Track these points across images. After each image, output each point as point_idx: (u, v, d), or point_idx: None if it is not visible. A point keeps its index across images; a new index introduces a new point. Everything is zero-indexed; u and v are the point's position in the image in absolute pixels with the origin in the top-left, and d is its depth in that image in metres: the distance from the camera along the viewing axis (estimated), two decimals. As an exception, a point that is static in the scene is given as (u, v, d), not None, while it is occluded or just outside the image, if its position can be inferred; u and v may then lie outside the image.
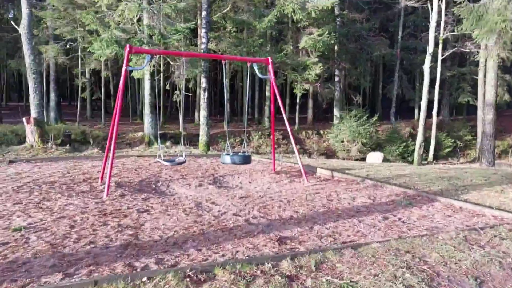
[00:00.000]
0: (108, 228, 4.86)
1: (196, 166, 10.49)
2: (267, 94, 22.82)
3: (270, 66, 8.74)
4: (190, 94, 19.42)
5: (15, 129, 14.70)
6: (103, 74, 17.95)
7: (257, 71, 8.82)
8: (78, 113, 17.16)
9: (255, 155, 16.34)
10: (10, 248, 4.09)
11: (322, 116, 31.46)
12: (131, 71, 16.48)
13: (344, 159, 18.60)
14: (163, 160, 7.97)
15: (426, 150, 19.28)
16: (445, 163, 19.39)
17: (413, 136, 22.50)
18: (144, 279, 3.24)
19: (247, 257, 3.89)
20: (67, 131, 14.35)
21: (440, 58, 19.07)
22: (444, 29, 18.75)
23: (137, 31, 13.06)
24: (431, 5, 17.96)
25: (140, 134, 16.33)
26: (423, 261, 3.74)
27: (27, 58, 13.77)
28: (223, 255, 3.99)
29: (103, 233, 4.63)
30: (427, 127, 19.08)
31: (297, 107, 24.20)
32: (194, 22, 13.25)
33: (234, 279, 3.26)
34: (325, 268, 3.54)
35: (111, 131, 7.68)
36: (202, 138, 14.98)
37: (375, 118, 19.86)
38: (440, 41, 18.95)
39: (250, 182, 8.83)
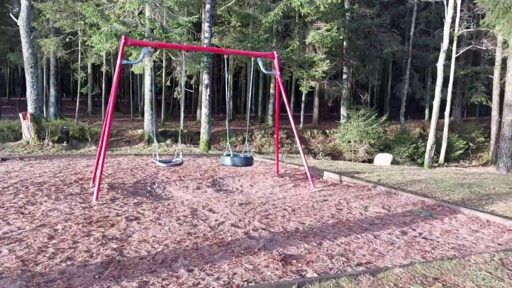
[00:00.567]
0: (90, 240, 4.29)
1: (195, 166, 9.92)
2: (271, 91, 22.20)
3: (275, 61, 8.13)
4: (192, 91, 18.85)
5: (12, 125, 14.23)
6: (104, 68, 17.42)
7: (261, 67, 8.21)
8: (77, 108, 16.67)
9: (258, 154, 15.75)
10: (-29, 266, 3.54)
11: (327, 115, 30.76)
12: (128, 65, 15.90)
13: (350, 160, 17.94)
14: (159, 161, 7.39)
15: (437, 152, 18.56)
16: (456, 166, 18.68)
17: (423, 137, 21.76)
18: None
19: (245, 282, 3.30)
20: (65, 127, 13.85)
21: (454, 55, 18.31)
22: (459, 25, 17.97)
23: (138, 25, 12.49)
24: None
25: (140, 131, 15.80)
26: (455, 292, 3.13)
27: (25, 52, 13.28)
28: (217, 278, 3.41)
29: (84, 247, 4.07)
30: (438, 128, 18.35)
31: (303, 105, 23.55)
32: (197, 16, 12.66)
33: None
34: (339, 301, 2.94)
35: (104, 129, 7.11)
36: (203, 136, 14.41)
37: (384, 117, 19.15)
38: (455, 38, 18.19)
39: (251, 186, 8.25)
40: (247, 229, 4.84)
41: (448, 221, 5.48)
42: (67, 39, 15.04)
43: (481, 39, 18.55)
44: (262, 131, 19.26)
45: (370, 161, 17.98)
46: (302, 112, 22.84)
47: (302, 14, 16.01)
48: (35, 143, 12.93)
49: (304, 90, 19.17)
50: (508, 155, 13.44)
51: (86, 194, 6.70)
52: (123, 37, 6.87)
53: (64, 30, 14.60)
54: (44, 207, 5.58)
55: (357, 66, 22.16)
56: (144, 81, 14.96)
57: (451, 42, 17.89)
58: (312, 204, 6.21)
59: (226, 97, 7.96)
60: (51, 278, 3.39)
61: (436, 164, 18.52)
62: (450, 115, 19.10)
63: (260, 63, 8.20)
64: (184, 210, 5.69)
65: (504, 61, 19.71)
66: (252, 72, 8.16)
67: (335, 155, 19.14)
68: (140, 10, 13.38)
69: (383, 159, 16.09)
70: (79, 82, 16.86)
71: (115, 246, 4.11)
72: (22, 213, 5.28)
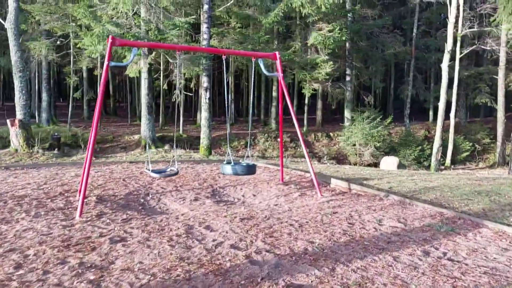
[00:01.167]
0: (65, 269, 3.70)
1: (194, 174, 9.33)
2: (274, 94, 21.62)
3: (278, 62, 7.57)
4: (191, 94, 18.27)
5: (0, 132, 13.66)
6: (97, 72, 16.88)
7: (262, 68, 7.65)
8: (70, 114, 16.11)
9: (261, 159, 15.14)
10: None
11: (331, 117, 30.17)
12: (123, 68, 15.35)
13: (356, 164, 17.33)
14: (152, 171, 6.81)
15: (443, 154, 17.96)
16: (463, 168, 18.07)
17: (428, 139, 21.15)
18: None
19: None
20: (56, 134, 13.28)
21: (458, 56, 17.75)
22: (463, 25, 17.42)
23: (132, 26, 11.95)
24: (450, -1, 16.67)
25: (136, 137, 15.23)
26: None
27: (13, 55, 12.75)
28: (213, 320, 2.81)
29: (56, 279, 3.47)
30: (444, 130, 17.75)
31: (306, 108, 22.95)
32: (194, 17, 12.11)
33: None
34: None
35: (90, 136, 6.53)
36: (203, 141, 13.83)
37: (389, 120, 18.56)
38: (458, 38, 17.63)
39: (254, 195, 7.65)
40: (249, 251, 4.24)
41: (472, 237, 4.87)
42: (58, 42, 14.51)
43: (485, 39, 17.98)
44: (266, 135, 18.65)
45: (376, 164, 17.38)
46: (305, 115, 22.26)
47: (303, 14, 15.46)
48: (24, 151, 12.36)
49: (307, 92, 18.61)
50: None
51: (70, 209, 6.11)
52: (110, 36, 6.33)
53: (55, 33, 14.06)
54: (20, 226, 4.99)
55: (360, 67, 21.60)
56: (140, 85, 14.41)
57: (454, 42, 17.35)
58: (321, 217, 5.61)
59: (226, 100, 7.38)
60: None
61: (443, 167, 17.91)
62: (455, 116, 18.52)
63: (261, 65, 7.63)
64: (178, 228, 5.09)
65: (509, 61, 19.17)
66: (253, 74, 7.59)
67: (340, 158, 18.54)
68: (134, 11, 12.85)
69: (389, 162, 15.49)
70: (71, 86, 16.29)
71: (92, 277, 3.52)
72: (-6, 234, 4.70)
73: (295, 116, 7.68)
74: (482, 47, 18.28)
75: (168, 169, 7.40)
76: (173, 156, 7.75)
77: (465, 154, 19.43)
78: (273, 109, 22.42)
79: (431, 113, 25.88)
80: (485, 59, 23.34)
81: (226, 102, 7.82)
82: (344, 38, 16.47)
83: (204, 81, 13.18)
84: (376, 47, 21.78)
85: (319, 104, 24.46)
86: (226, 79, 7.16)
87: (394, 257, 4.09)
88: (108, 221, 5.48)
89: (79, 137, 14.04)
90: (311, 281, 3.50)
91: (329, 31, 15.88)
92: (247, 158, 7.79)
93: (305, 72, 16.98)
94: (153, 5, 12.51)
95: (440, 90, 17.84)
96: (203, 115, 13.38)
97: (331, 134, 21.01)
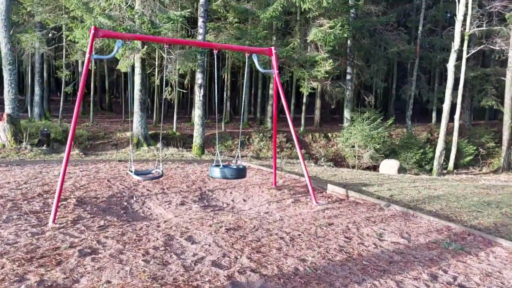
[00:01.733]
0: (18, 290, 3.20)
1: (183, 176, 8.83)
2: (271, 92, 21.12)
3: (273, 58, 7.05)
4: (185, 91, 17.74)
5: (-12, 126, 13.12)
6: (91, 66, 16.33)
7: (257, 64, 7.13)
8: (61, 109, 15.59)
9: (255, 160, 14.64)
10: None
11: (329, 117, 29.65)
12: (116, 63, 14.80)
13: (354, 166, 16.83)
14: (135, 173, 6.31)
15: (446, 158, 17.46)
16: (466, 173, 17.57)
17: (430, 142, 20.65)
18: None
19: None
20: (45, 129, 12.77)
21: (465, 56, 17.21)
22: (471, 24, 16.87)
23: (125, 19, 11.42)
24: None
25: (128, 134, 14.72)
26: None
27: (3, 48, 12.24)
28: None
29: (3, 303, 2.98)
30: (447, 133, 17.24)
31: (304, 107, 22.43)
32: (189, 10, 11.59)
33: None
34: None
35: (70, 133, 6.03)
36: (196, 140, 13.34)
37: (390, 121, 18.04)
38: (466, 37, 17.09)
39: (244, 201, 7.17)
40: (232, 270, 3.75)
41: (485, 257, 4.38)
42: (50, 34, 13.96)
43: (494, 39, 17.43)
44: (261, 134, 18.13)
45: (375, 167, 16.88)
46: (303, 115, 21.73)
47: (303, 9, 14.93)
48: (11, 146, 11.87)
49: (305, 91, 18.08)
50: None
51: (46, 213, 5.63)
52: (93, 27, 5.80)
53: (48, 25, 13.51)
54: (-18, 233, 4.50)
55: (361, 66, 21.04)
56: (134, 80, 13.90)
57: (461, 41, 16.82)
58: (315, 229, 5.12)
59: (216, 97, 6.87)
60: None
61: (445, 171, 17.42)
62: (459, 119, 18.00)
63: (255, 60, 7.12)
64: (157, 239, 4.60)
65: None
66: (246, 70, 7.07)
67: (337, 160, 18.03)
68: (128, 3, 12.31)
69: (389, 166, 15.00)
70: (63, 80, 15.77)
71: (46, 303, 3.02)
72: (-48, 243, 4.22)
73: (289, 115, 7.19)
74: (491, 46, 17.71)
75: (153, 171, 6.91)
76: (159, 156, 7.24)
77: (468, 158, 18.92)
78: (269, 108, 21.90)
79: (434, 114, 25.34)
80: (492, 60, 22.79)
81: (216, 99, 7.32)
82: (345, 35, 15.91)
83: (199, 77, 12.67)
84: (379, 45, 21.20)
85: (318, 103, 23.94)
86: (217, 74, 6.70)
87: (397, 282, 3.60)
88: (83, 228, 5.00)
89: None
90: (300, 312, 3.01)
91: (330, 27, 15.34)
92: (237, 160, 7.30)
93: (303, 70, 16.44)
94: (148, -3, 11.99)
95: (445, 91, 17.32)
96: (196, 113, 12.88)
97: (329, 134, 20.50)
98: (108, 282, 3.43)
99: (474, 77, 21.77)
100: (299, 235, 4.87)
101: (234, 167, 6.91)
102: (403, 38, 20.55)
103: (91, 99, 18.21)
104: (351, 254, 4.28)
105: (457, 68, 17.10)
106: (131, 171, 6.30)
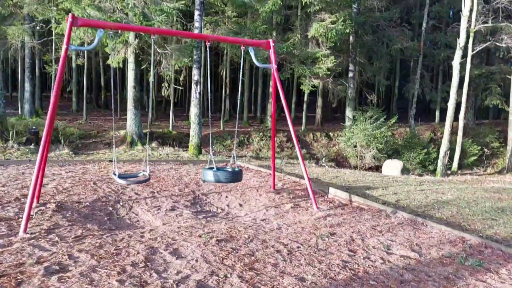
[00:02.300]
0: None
1: (176, 178, 8.32)
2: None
3: (271, 51, 6.54)
4: (181, 88, 17.20)
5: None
6: (80, 61, 15.82)
7: (253, 58, 6.62)
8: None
9: (254, 160, 14.13)
10: None
11: (331, 116, 29.10)
12: (107, 58, 14.24)
13: (356, 167, 16.32)
14: (118, 176, 5.80)
15: (450, 158, 16.94)
16: (471, 174, 17.06)
17: (433, 142, 20.12)
18: None
19: None
20: (33, 128, 12.26)
21: (470, 53, 16.67)
22: (476, 20, 16.32)
23: (116, 10, 10.88)
24: (465, -10, 15.57)
25: (122, 132, 14.21)
26: None
27: (-11, 41, 11.74)
28: None
29: None
30: (452, 132, 16.71)
31: (305, 105, 21.88)
32: (183, 2, 11.05)
33: None
34: None
35: (45, 132, 5.52)
36: (193, 139, 12.83)
37: (393, 120, 17.50)
38: (471, 34, 16.54)
39: (240, 205, 6.66)
40: (219, 293, 3.24)
41: (507, 275, 3.87)
42: (38, 27, 13.42)
43: (501, 35, 16.88)
44: (261, 134, 17.60)
45: (378, 168, 16.37)
46: (304, 113, 21.17)
47: (304, 3, 14.38)
48: (-3, 145, 11.37)
49: (306, 89, 17.54)
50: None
51: (20, 220, 5.12)
52: (70, 15, 5.29)
53: (36, 17, 12.97)
54: None
55: (364, 63, 20.48)
56: (127, 77, 13.39)
57: (467, 38, 16.27)
58: (316, 240, 4.61)
59: (209, 94, 6.34)
60: None
61: (449, 172, 16.91)
62: (463, 118, 17.46)
63: (252, 54, 6.60)
64: (138, 252, 4.09)
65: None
66: (242, 65, 6.55)
67: (339, 160, 17.51)
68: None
69: (392, 166, 14.49)
70: (52, 76, 15.22)
71: None
72: None
73: (289, 113, 6.67)
74: (497, 43, 17.17)
75: (140, 174, 6.40)
76: (146, 158, 6.72)
77: (472, 159, 18.40)
78: (269, 106, 21.37)
79: (437, 113, 24.77)
80: (497, 58, 22.22)
81: (209, 97, 6.79)
82: (347, 31, 15.35)
83: (195, 73, 12.15)
84: (382, 41, 20.64)
85: (319, 101, 23.38)
86: (211, 69, 6.20)
87: (410, 308, 3.09)
88: (56, 239, 4.48)
89: (60, 132, 13.01)
90: None
91: (332, 22, 14.79)
92: (233, 161, 6.79)
93: (304, 66, 15.89)
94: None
95: (449, 90, 16.80)
96: (193, 111, 12.37)
97: (331, 134, 19.96)
98: (73, 308, 2.93)
99: (478, 75, 21.22)
100: (298, 247, 4.36)
101: (229, 169, 6.41)
102: (406, 34, 19.97)
103: (84, 96, 17.65)
104: (356, 271, 3.76)
105: (462, 65, 16.58)
106: (115, 174, 5.78)
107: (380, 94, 29.41)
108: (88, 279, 3.42)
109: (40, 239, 4.45)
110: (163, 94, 15.51)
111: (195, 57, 12.22)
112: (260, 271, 3.70)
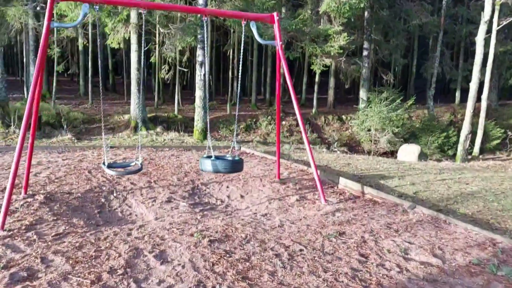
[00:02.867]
0: None
1: (176, 165, 7.84)
2: (281, 70, 19.73)
3: (276, 26, 5.86)
4: (185, 70, 16.51)
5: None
6: (80, 43, 15.30)
7: (255, 34, 5.96)
8: (54, 90, 14.71)
9: (261, 145, 13.55)
10: None
11: (344, 97, 28.09)
12: (108, 39, 13.65)
13: (370, 152, 15.58)
14: (108, 166, 5.32)
15: (471, 142, 15.99)
16: (493, 159, 16.12)
17: (453, 124, 19.11)
18: None
19: None
20: (36, 112, 11.89)
21: (495, 28, 15.46)
22: (503, -9, 15.05)
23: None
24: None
25: (127, 117, 13.79)
26: None
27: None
28: None
29: None
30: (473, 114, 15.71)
31: (316, 87, 21.00)
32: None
33: None
34: None
35: (25, 117, 5.04)
36: (198, 124, 12.32)
37: (410, 101, 16.55)
38: (496, 7, 15.29)
39: (242, 197, 6.15)
40: (203, 311, 2.74)
41: (549, 288, 3.25)
42: (38, 8, 12.91)
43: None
44: (269, 117, 16.93)
45: (393, 153, 15.59)
46: (315, 95, 20.32)
47: (316, -24, 13.43)
48: (-2, 131, 11.10)
49: (317, 69, 16.68)
50: None
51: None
52: (48, -12, 4.72)
53: (36, -2, 12.52)
54: None
55: (379, 41, 19.35)
56: (130, 58, 12.85)
57: (492, 11, 15.03)
58: (322, 241, 4.06)
59: (206, 75, 5.76)
60: None
61: (470, 157, 16.00)
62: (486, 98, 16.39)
63: (254, 29, 5.94)
64: (120, 255, 3.63)
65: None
66: (242, 42, 5.90)
67: (352, 145, 16.78)
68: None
69: (409, 151, 13.70)
70: (55, 58, 14.78)
71: None
72: None
73: (295, 95, 6.05)
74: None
75: (132, 163, 5.92)
76: (138, 146, 6.23)
77: (495, 142, 17.36)
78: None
79: (457, 94, 23.50)
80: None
81: (206, 77, 6.19)
82: (362, 5, 14.27)
83: (199, 54, 11.51)
84: (399, 17, 19.39)
85: (331, 82, 22.40)
86: (208, 45, 5.56)
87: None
88: (34, 237, 4.08)
89: (63, 116, 12.66)
90: None
91: (345, -4, 13.77)
92: (234, 149, 6.23)
93: (315, 45, 14.99)
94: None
95: (471, 68, 15.73)
96: (197, 94, 11.79)
97: (344, 117, 19.13)
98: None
99: (503, 52, 19.85)
100: (300, 250, 3.83)
101: (229, 158, 5.87)
102: (426, 9, 18.62)
103: (89, 79, 17.24)
104: (368, 283, 3.21)
105: (486, 42, 15.41)
106: (104, 164, 5.30)
107: (396, 74, 28.15)
108: (56, 289, 2.97)
109: (16, 237, 4.04)
110: (162, 77, 14.92)
111: (199, 36, 11.56)
112: (255, 281, 3.19)
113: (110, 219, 5.23)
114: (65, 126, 12.10)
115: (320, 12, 14.94)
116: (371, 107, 16.22)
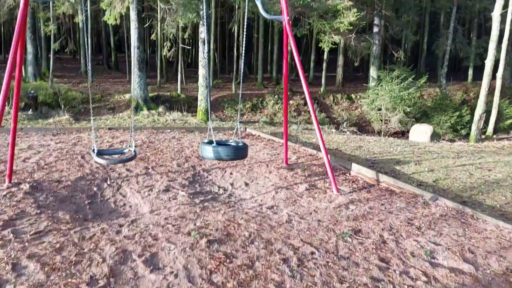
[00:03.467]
0: None
1: (177, 149, 7.37)
2: (288, 48, 18.93)
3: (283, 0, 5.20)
4: (189, 47, 15.81)
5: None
6: (77, 19, 14.58)
7: (260, 8, 5.34)
8: (51, 68, 14.19)
9: (268, 126, 13.00)
10: None
11: (352, 75, 27.19)
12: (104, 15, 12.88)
13: (380, 132, 14.98)
14: (97, 154, 4.84)
15: (485, 121, 15.30)
16: (508, 139, 15.44)
17: (466, 103, 18.34)
18: None
19: None
20: (32, 91, 11.44)
21: (513, 2, 14.45)
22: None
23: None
24: None
25: (127, 96, 13.26)
26: None
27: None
28: None
29: None
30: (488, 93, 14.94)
31: (324, 64, 20.18)
32: None
33: None
34: None
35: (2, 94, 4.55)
36: (201, 103, 11.79)
37: (422, 80, 15.77)
38: (517, -21, 14.26)
39: (246, 185, 5.68)
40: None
41: None
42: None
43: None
44: (276, 96, 16.30)
45: (403, 133, 14.98)
46: (323, 73, 19.55)
47: None
48: (-8, 112, 10.62)
49: (325, 46, 15.90)
50: None
51: (-19, 207, 4.32)
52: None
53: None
54: None
55: (390, 17, 18.39)
56: (130, 36, 12.21)
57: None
58: (336, 242, 3.59)
59: (204, 52, 5.19)
60: None
61: (483, 137, 15.35)
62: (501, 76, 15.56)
63: (259, 3, 5.31)
64: (104, 260, 3.19)
65: None
66: (245, 18, 5.28)
67: (362, 125, 16.15)
68: None
69: (420, 131, 13.10)
70: (52, 36, 14.15)
71: None
72: None
73: (303, 73, 5.48)
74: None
75: (125, 149, 5.44)
76: (131, 130, 5.72)
77: (509, 122, 16.66)
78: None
79: (470, 72, 22.55)
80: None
81: (204, 54, 5.61)
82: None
83: (202, 31, 10.85)
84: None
85: (340, 60, 21.53)
86: (207, 19, 4.96)
87: None
88: (10, 236, 3.64)
89: (61, 96, 12.17)
90: None
91: (357, -31, 12.86)
92: (237, 133, 5.72)
93: (324, 21, 14.18)
94: None
95: (487, 45, 14.84)
96: (201, 72, 11.20)
97: (353, 96, 18.42)
98: None
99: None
100: (312, 253, 3.36)
101: (233, 144, 5.36)
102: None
103: (89, 57, 16.58)
104: (392, 296, 2.74)
105: (502, 17, 14.52)
106: (93, 151, 4.82)
107: (406, 51, 27.09)
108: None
109: (-7, 236, 3.62)
110: (164, 54, 14.25)
111: (201, 12, 10.85)
112: (259, 293, 2.74)
113: (101, 211, 4.80)
114: (62, 106, 11.62)
115: (330, -16, 14.03)
116: (381, 85, 15.49)
